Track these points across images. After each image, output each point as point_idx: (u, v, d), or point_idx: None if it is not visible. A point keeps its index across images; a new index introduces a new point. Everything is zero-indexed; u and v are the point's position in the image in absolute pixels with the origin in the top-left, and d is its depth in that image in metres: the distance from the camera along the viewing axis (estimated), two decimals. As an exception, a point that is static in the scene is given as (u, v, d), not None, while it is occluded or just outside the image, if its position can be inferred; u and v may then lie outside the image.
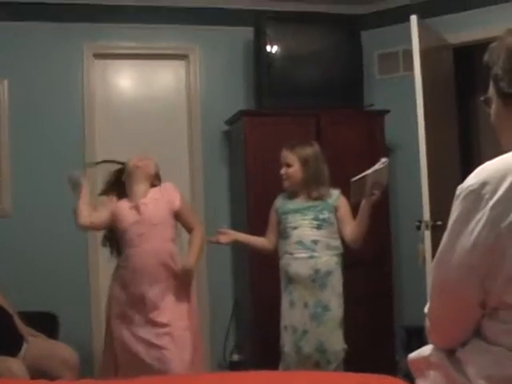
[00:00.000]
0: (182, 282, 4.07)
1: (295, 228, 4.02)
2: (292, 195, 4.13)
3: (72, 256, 5.21)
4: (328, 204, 4.06)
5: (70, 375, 3.59)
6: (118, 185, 4.24)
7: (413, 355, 1.83)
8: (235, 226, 5.48)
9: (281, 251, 4.11)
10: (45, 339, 3.94)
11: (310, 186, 4.05)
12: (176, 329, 3.95)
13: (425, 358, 1.76)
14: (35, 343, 3.76)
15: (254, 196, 5.06)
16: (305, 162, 4.06)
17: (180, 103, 5.64)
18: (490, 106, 1.71)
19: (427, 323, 1.74)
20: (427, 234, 4.17)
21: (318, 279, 3.98)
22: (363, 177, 3.84)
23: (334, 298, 4.02)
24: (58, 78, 5.33)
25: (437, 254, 1.68)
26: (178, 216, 4.16)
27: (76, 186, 4.12)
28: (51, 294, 5.09)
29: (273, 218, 4.21)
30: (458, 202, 1.61)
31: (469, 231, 1.56)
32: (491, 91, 1.69)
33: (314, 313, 3.93)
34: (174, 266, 4.04)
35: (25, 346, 3.70)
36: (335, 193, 4.10)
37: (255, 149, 5.07)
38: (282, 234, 4.10)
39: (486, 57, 1.70)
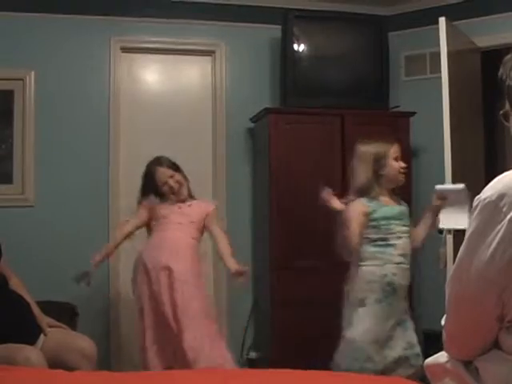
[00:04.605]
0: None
1: (399, 238, 3.85)
2: (380, 199, 3.93)
3: (93, 247, 5.21)
4: (406, 209, 4.01)
5: (88, 366, 3.59)
6: (150, 188, 4.51)
7: (429, 361, 1.81)
8: (257, 224, 5.50)
9: (375, 259, 3.85)
10: (65, 329, 3.95)
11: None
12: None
13: (441, 365, 1.74)
14: (53, 333, 3.77)
15: (276, 194, 5.06)
16: None
17: (205, 99, 5.63)
18: (508, 119, 1.67)
19: (444, 335, 1.72)
20: (449, 238, 4.15)
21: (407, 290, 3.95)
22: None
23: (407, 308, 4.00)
24: (85, 71, 5.35)
25: (454, 267, 1.65)
26: (204, 221, 4.44)
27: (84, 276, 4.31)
28: (71, 284, 5.12)
29: (361, 220, 3.85)
30: (475, 214, 1.57)
31: (486, 244, 1.53)
32: (507, 105, 1.66)
33: (399, 319, 3.86)
34: (197, 259, 4.38)
35: (42, 336, 3.71)
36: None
37: (279, 147, 5.07)
38: (377, 240, 3.85)
39: (500, 71, 1.67)
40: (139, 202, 4.51)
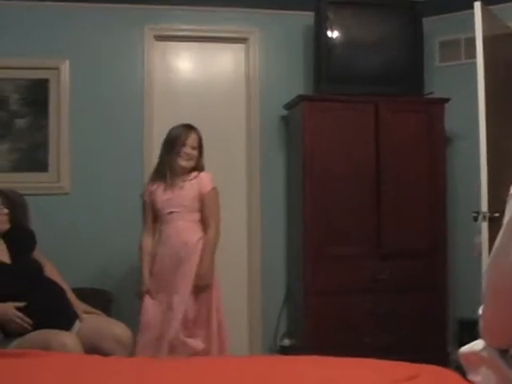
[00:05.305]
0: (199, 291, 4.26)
1: None
2: None
3: (127, 234, 5.27)
4: None
5: (123, 352, 3.62)
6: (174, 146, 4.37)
7: (464, 349, 1.80)
8: (291, 211, 5.50)
9: None
10: (100, 315, 3.99)
11: None
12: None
13: (476, 353, 1.73)
14: (88, 319, 3.81)
15: (310, 181, 5.05)
16: None
17: (239, 87, 5.64)
18: None
19: (481, 324, 1.70)
20: (484, 226, 4.10)
21: None
22: None
23: None
24: (119, 59, 5.39)
25: (491, 256, 1.62)
26: (201, 203, 4.32)
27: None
28: (106, 271, 5.18)
29: None
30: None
31: None
32: None
33: None
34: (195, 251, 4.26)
35: (78, 322, 3.75)
36: None
37: (313, 134, 5.05)
38: None
39: None
40: (152, 174, 4.46)
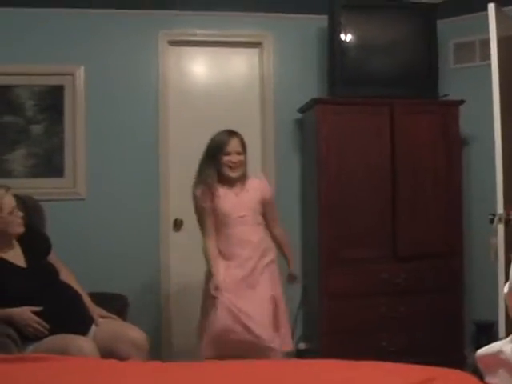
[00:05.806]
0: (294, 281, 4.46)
1: None
2: None
3: (143, 239, 5.29)
4: None
5: (139, 356, 3.62)
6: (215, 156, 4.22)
7: (481, 352, 1.80)
8: (306, 215, 5.50)
9: None
10: (115, 319, 3.99)
11: None
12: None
13: (493, 355, 1.73)
14: (104, 324, 3.82)
15: (325, 184, 5.05)
16: None
17: (253, 91, 5.65)
18: None
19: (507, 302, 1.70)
20: (500, 228, 4.08)
21: None
22: None
23: None
24: (134, 65, 5.41)
25: None
26: (264, 206, 4.31)
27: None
28: (121, 275, 5.19)
29: None
30: None
31: None
32: None
33: None
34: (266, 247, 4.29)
35: (93, 326, 3.76)
36: None
37: (327, 137, 5.05)
38: None
39: None
40: (199, 182, 4.21)
